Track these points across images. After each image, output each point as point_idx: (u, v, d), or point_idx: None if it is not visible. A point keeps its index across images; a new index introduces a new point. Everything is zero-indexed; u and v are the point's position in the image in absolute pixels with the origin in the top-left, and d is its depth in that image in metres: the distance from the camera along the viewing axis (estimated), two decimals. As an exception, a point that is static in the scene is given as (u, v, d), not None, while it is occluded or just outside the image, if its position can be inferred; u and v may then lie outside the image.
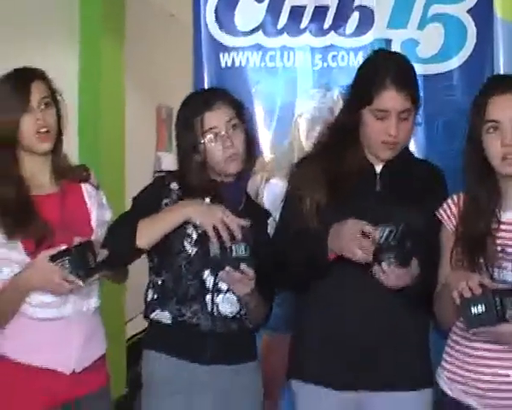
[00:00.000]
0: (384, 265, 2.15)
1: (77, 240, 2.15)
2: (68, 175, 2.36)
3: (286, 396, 2.86)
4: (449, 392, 2.25)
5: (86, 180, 2.41)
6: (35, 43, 3.69)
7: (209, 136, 2.36)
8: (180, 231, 2.33)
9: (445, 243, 2.29)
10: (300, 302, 2.51)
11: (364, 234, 2.18)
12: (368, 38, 3.13)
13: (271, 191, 3.13)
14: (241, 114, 2.45)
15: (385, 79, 2.24)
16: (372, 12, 3.14)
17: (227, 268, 2.21)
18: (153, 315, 2.42)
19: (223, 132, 2.35)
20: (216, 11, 3.21)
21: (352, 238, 2.17)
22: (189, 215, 2.29)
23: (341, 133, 2.38)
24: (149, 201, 2.41)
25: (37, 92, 2.27)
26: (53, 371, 2.24)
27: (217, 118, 2.35)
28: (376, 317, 2.32)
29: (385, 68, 2.28)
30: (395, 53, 2.71)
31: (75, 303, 2.25)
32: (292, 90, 3.22)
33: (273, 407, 3.06)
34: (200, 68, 3.22)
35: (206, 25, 3.21)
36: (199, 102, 2.42)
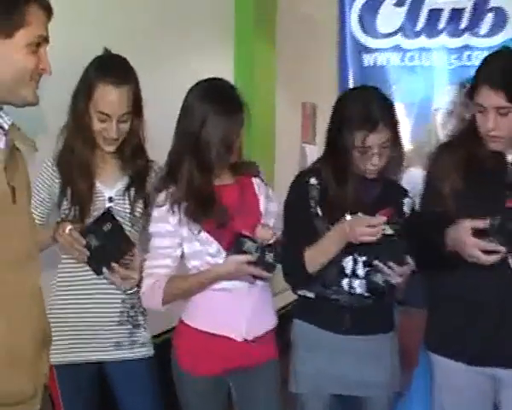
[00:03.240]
0: None
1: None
2: (243, 170, 2.45)
3: (420, 365, 2.78)
4: None
5: (256, 175, 2.50)
6: (193, 47, 3.80)
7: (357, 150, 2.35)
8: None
9: None
10: (437, 278, 2.48)
11: (476, 231, 2.18)
12: (501, 37, 3.27)
13: (410, 179, 3.00)
14: (397, 133, 2.38)
15: (482, 75, 2.23)
16: (505, 13, 3.29)
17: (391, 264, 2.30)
18: (300, 292, 2.50)
19: (375, 151, 2.31)
20: (359, 16, 3.47)
21: (469, 244, 2.17)
22: (345, 241, 2.34)
23: (469, 127, 2.37)
24: (299, 205, 2.46)
25: None
26: (227, 338, 2.34)
27: (374, 138, 2.29)
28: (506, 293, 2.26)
29: (485, 65, 2.27)
30: (505, 51, 2.51)
31: (246, 277, 2.33)
32: (429, 87, 3.42)
33: (409, 376, 3.14)
34: (345, 68, 3.50)
35: (351, 28, 3.48)
36: (360, 117, 2.32)
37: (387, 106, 2.35)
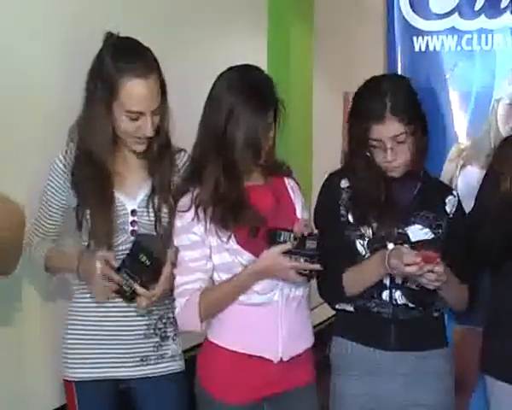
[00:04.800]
0: None
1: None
2: (274, 169, 2.33)
3: (478, 390, 2.76)
4: None
5: (288, 175, 2.40)
6: (222, 31, 3.74)
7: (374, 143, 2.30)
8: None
9: None
10: (496, 292, 2.42)
11: None
12: None
13: (467, 179, 3.03)
14: (418, 128, 2.33)
15: None
16: None
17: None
18: (337, 306, 2.44)
19: (389, 145, 2.27)
20: (409, -6, 3.11)
21: None
22: (386, 272, 2.27)
23: None
24: (330, 213, 2.39)
25: None
26: (261, 358, 2.23)
27: (382, 131, 2.26)
28: None
29: None
30: None
31: (282, 290, 2.23)
32: (490, 75, 3.10)
33: (465, 400, 2.98)
34: (394, 53, 3.18)
35: (400, 8, 3.16)
36: (366, 107, 2.30)
37: (403, 96, 2.27)
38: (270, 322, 2.23)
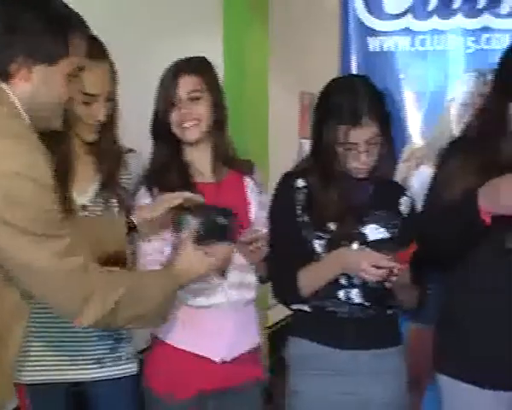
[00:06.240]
0: None
1: None
2: (232, 166, 2.36)
3: (431, 387, 2.79)
4: None
5: (249, 174, 2.40)
6: (179, 33, 3.72)
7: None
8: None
9: None
10: (452, 289, 2.43)
11: None
12: None
13: (421, 179, 3.05)
14: (387, 129, 2.34)
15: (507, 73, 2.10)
16: (531, -13, 3.02)
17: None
18: (293, 306, 2.44)
19: (364, 148, 2.26)
20: (364, -5, 3.16)
21: None
22: (344, 271, 2.28)
23: (491, 123, 2.26)
24: (286, 213, 2.37)
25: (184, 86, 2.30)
26: (205, 359, 2.28)
27: (359, 134, 2.25)
28: None
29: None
30: None
31: (228, 293, 2.28)
32: (443, 75, 3.15)
33: (419, 398, 3.01)
34: (348, 53, 3.21)
35: (354, 9, 3.20)
36: (343, 110, 2.29)
37: (376, 98, 2.25)
38: (216, 324, 2.28)
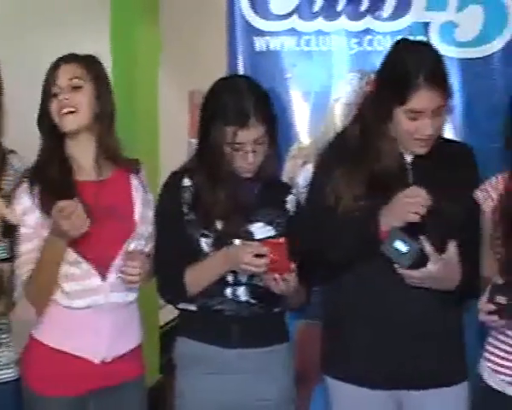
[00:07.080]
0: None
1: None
2: (117, 163, 2.34)
3: (320, 385, 2.83)
4: (492, 384, 2.20)
5: (134, 172, 2.38)
6: (64, 33, 3.64)
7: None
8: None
9: (485, 229, 2.22)
10: (338, 290, 2.46)
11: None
12: (405, 21, 3.06)
13: (307, 176, 3.09)
14: (273, 129, 2.36)
15: (417, 79, 2.14)
16: (410, -6, 3.07)
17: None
18: (180, 306, 2.44)
19: (251, 148, 2.27)
20: (250, -5, 3.13)
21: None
22: (230, 268, 2.29)
23: (372, 126, 2.29)
24: (172, 212, 2.38)
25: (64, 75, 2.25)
26: (83, 359, 2.28)
27: (246, 135, 2.26)
28: (415, 310, 2.27)
29: (416, 67, 2.16)
30: (422, 45, 2.51)
31: (107, 294, 2.26)
32: (328, 75, 3.19)
33: (307, 395, 3.05)
34: (234, 53, 3.20)
35: (241, 9, 3.18)
36: (229, 110, 2.28)
37: (261, 99, 2.27)
38: (94, 326, 2.26)
